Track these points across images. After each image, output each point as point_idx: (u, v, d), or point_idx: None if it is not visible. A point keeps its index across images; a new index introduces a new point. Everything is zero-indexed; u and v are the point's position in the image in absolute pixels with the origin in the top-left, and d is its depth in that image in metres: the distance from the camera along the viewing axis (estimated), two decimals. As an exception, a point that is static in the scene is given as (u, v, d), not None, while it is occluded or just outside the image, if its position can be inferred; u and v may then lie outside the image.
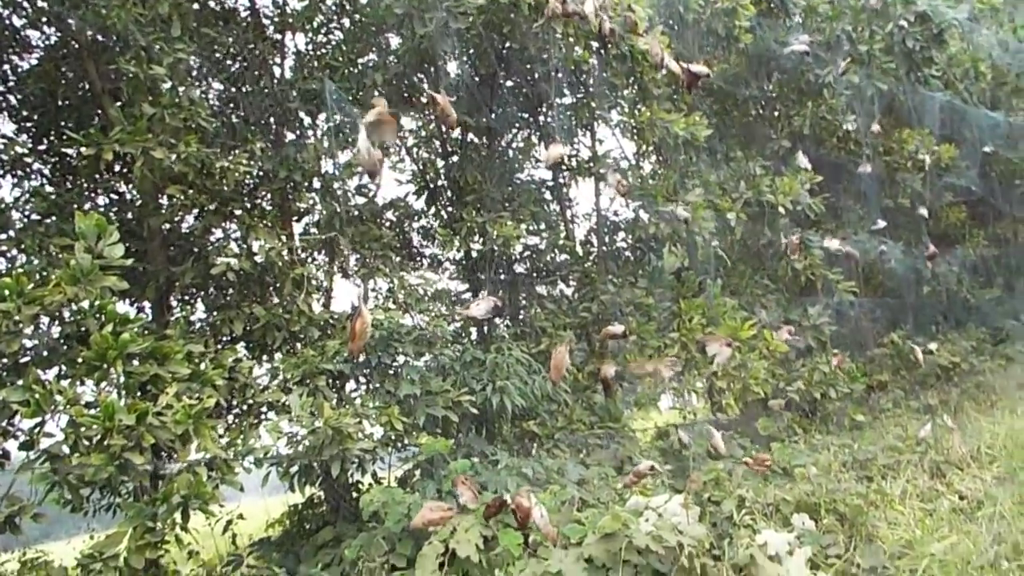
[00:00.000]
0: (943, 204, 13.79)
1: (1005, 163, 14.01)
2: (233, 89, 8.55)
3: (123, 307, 7.33)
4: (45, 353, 5.25)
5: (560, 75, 8.39)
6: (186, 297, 8.28)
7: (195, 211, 7.71)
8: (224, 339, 7.60)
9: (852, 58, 10.79)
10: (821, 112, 10.99)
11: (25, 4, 7.59)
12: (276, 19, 9.02)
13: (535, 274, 10.51)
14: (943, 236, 14.88)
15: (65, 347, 5.59)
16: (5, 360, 4.91)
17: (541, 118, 9.99)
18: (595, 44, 7.18)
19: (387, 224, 10.04)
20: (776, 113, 11.54)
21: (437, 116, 6.44)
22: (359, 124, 6.13)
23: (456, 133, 9.48)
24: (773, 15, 10.12)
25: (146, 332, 5.81)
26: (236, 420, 7.91)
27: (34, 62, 7.93)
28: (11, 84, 7.85)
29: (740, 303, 10.57)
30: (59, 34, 7.73)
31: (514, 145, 10.44)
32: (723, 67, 11.05)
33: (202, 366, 6.09)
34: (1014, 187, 14.61)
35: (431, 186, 10.02)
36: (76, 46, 7.32)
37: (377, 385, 7.82)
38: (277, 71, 8.86)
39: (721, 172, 10.42)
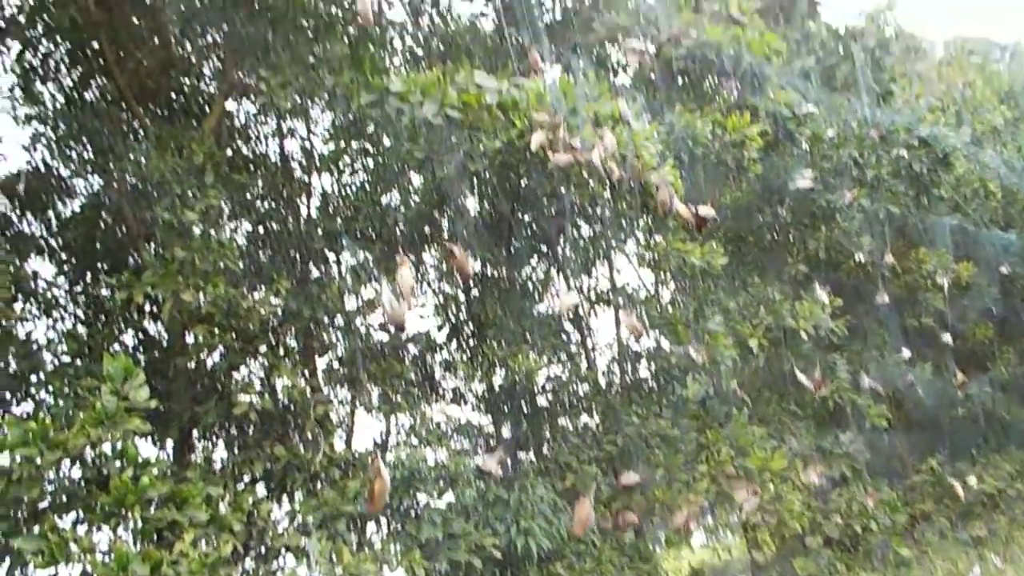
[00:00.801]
0: (969, 323, 13.63)
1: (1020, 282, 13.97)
2: (261, 229, 8.86)
3: (145, 447, 7.38)
4: (63, 499, 5.19)
5: (576, 209, 8.63)
6: (208, 436, 8.24)
7: (220, 349, 7.79)
8: (243, 480, 7.52)
9: (861, 184, 11.01)
10: (835, 236, 11.11)
11: (73, 155, 8.05)
12: (304, 162, 9.45)
13: (558, 406, 10.42)
14: (972, 355, 14.64)
15: (84, 492, 5.56)
16: (24, 507, 4.85)
17: (559, 250, 10.18)
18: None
19: (409, 358, 10.09)
20: (791, 238, 11.68)
21: (454, 268, 6.61)
22: (384, 283, 6.37)
23: (476, 267, 9.67)
24: (781, 145, 10.43)
25: (166, 474, 5.78)
26: (253, 565, 7.70)
27: (77, 208, 8.32)
28: (55, 229, 8.19)
29: (768, 431, 10.34)
30: (101, 182, 8.13)
31: (533, 277, 10.60)
32: (735, 195, 11.31)
33: (221, 509, 6.02)
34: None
35: (452, 320, 10.13)
36: (116, 194, 7.68)
37: (398, 528, 7.65)
38: (303, 210, 9.19)
39: (740, 299, 10.45)
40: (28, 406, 6.88)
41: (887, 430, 11.45)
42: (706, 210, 7.64)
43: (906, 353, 11.34)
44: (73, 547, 4.80)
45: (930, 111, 11.90)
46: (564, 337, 10.08)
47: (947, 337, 11.80)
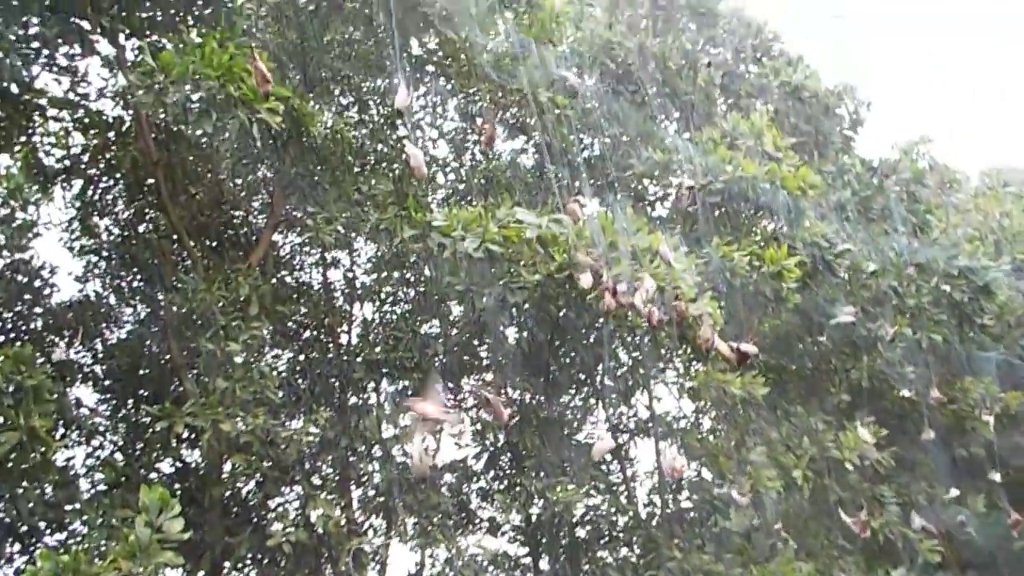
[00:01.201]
0: (1021, 454, 13.17)
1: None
2: (302, 356, 8.97)
3: (175, 576, 7.26)
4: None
5: (614, 339, 8.64)
6: (240, 568, 8.10)
7: (256, 478, 7.77)
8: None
9: (901, 312, 10.92)
10: (878, 365, 10.93)
11: (123, 285, 8.32)
12: (346, 291, 9.65)
13: (597, 538, 10.11)
14: (1027, 489, 14.09)
15: (109, 631, 5.44)
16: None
17: (597, 380, 10.15)
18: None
19: (445, 486, 9.95)
20: (833, 367, 11.51)
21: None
22: (413, 437, 6.41)
23: (515, 395, 9.65)
24: (819, 275, 10.44)
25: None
26: None
27: (122, 336, 8.52)
28: (99, 356, 8.37)
29: (816, 567, 9.92)
30: (148, 311, 8.36)
31: (572, 406, 10.53)
32: (775, 324, 11.26)
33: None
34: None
35: (490, 449, 10.03)
36: (162, 323, 7.87)
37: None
38: (344, 339, 9.32)
39: (783, 429, 10.24)
40: (61, 535, 6.85)
41: (941, 566, 10.92)
42: (748, 347, 7.62)
43: (955, 492, 10.96)
44: None
45: (968, 241, 11.92)
46: (603, 467, 9.90)
47: (995, 475, 11.40)
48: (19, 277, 7.85)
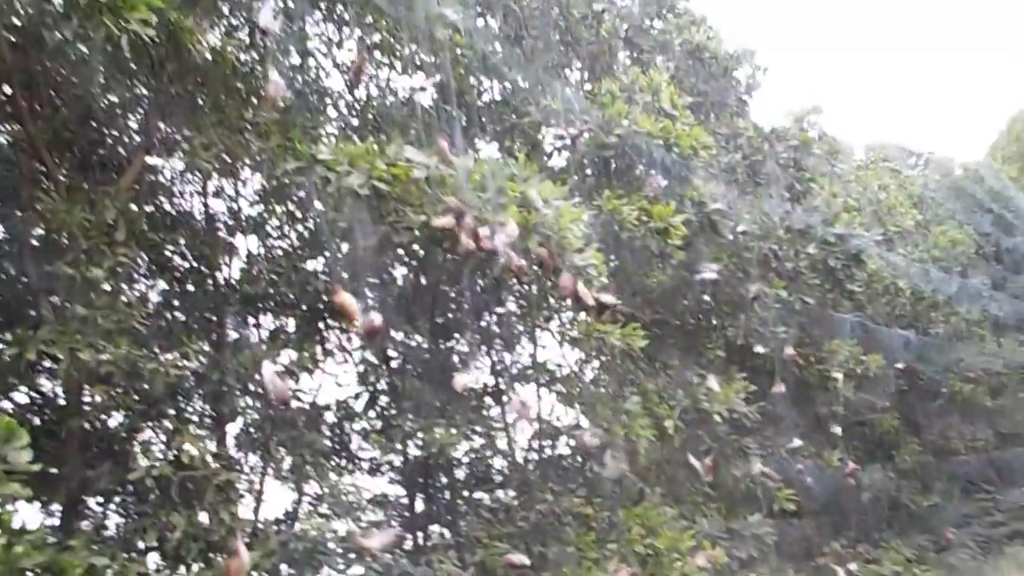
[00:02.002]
0: (876, 413, 14.17)
1: (924, 377, 14.67)
2: (177, 288, 8.60)
3: (28, 512, 6.94)
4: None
5: (500, 286, 8.67)
6: (100, 502, 7.82)
7: (121, 412, 7.46)
8: (136, 550, 7.13)
9: (779, 275, 11.41)
10: (754, 324, 11.43)
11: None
12: (230, 222, 9.25)
13: (474, 480, 10.29)
14: (879, 444, 15.17)
15: (-47, 562, 5.17)
16: None
17: (484, 324, 10.19)
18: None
19: (326, 425, 9.86)
20: (712, 323, 11.97)
21: (367, 332, 6.56)
22: (266, 365, 6.28)
23: (399, 337, 9.59)
24: (704, 234, 10.75)
25: (47, 543, 5.44)
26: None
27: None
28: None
29: (681, 512, 10.42)
30: (3, 234, 7.79)
31: (456, 350, 10.56)
32: (659, 280, 11.56)
33: (104, 581, 5.70)
34: (933, 399, 15.23)
35: (371, 389, 9.97)
36: (19, 245, 7.35)
37: (298, 603, 7.36)
38: (225, 271, 8.97)
39: (659, 380, 10.60)
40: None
41: (796, 515, 11.69)
42: (608, 298, 7.73)
43: (797, 442, 11.72)
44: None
45: (846, 211, 12.52)
46: (484, 412, 10.03)
47: (837, 429, 12.25)
48: None
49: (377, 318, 6.97)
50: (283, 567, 7.71)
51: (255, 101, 7.42)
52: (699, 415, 10.36)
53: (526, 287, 9.00)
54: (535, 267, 7.23)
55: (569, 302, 7.51)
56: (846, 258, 11.97)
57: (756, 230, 11.43)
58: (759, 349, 11.49)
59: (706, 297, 11.74)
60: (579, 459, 10.17)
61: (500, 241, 6.59)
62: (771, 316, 11.49)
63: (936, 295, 14.57)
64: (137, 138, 7.75)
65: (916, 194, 16.57)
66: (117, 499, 7.78)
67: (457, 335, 10.39)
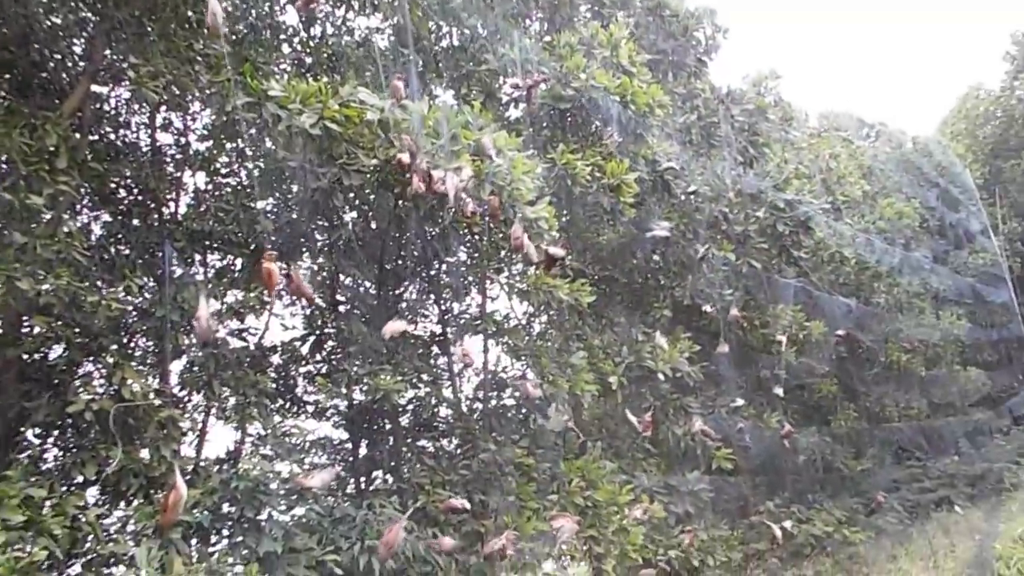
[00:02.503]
0: (814, 379, 14.56)
1: (863, 344, 15.10)
2: (121, 221, 8.43)
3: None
4: None
5: (451, 235, 8.66)
6: (39, 435, 7.73)
7: (61, 344, 7.35)
8: (75, 483, 7.09)
9: (728, 238, 11.58)
10: (700, 285, 11.62)
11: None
12: (178, 156, 9.07)
13: (418, 428, 10.37)
14: (816, 408, 15.65)
15: None
16: None
17: (433, 273, 10.19)
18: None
19: (271, 368, 9.82)
20: (660, 283, 12.14)
21: (291, 290, 6.55)
22: (200, 292, 6.22)
23: (347, 281, 9.56)
24: (656, 193, 10.85)
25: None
26: (80, 571, 7.26)
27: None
28: None
29: (621, 466, 10.66)
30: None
31: (406, 297, 10.56)
32: (610, 237, 11.67)
33: (42, 512, 5.67)
34: (871, 367, 15.68)
35: (318, 333, 9.94)
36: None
37: (238, 539, 7.39)
38: (171, 207, 8.82)
39: (605, 336, 10.76)
40: None
41: (733, 472, 12.03)
42: (556, 250, 7.80)
43: (739, 401, 12.00)
44: None
45: (796, 177, 12.72)
46: (430, 360, 10.07)
47: (779, 390, 12.55)
48: None
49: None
50: (225, 506, 7.71)
51: (206, 32, 7.23)
52: (643, 372, 10.57)
53: (476, 237, 9.00)
54: (486, 216, 7.24)
55: (519, 254, 7.53)
56: (794, 224, 12.19)
57: (708, 192, 11.57)
58: (707, 309, 11.68)
59: (655, 257, 11.89)
60: (523, 411, 10.30)
61: (452, 185, 6.59)
62: (718, 278, 11.70)
63: (879, 266, 14.95)
64: (81, 64, 7.51)
65: (866, 165, 16.88)
66: (56, 432, 7.69)
67: (406, 282, 10.39)
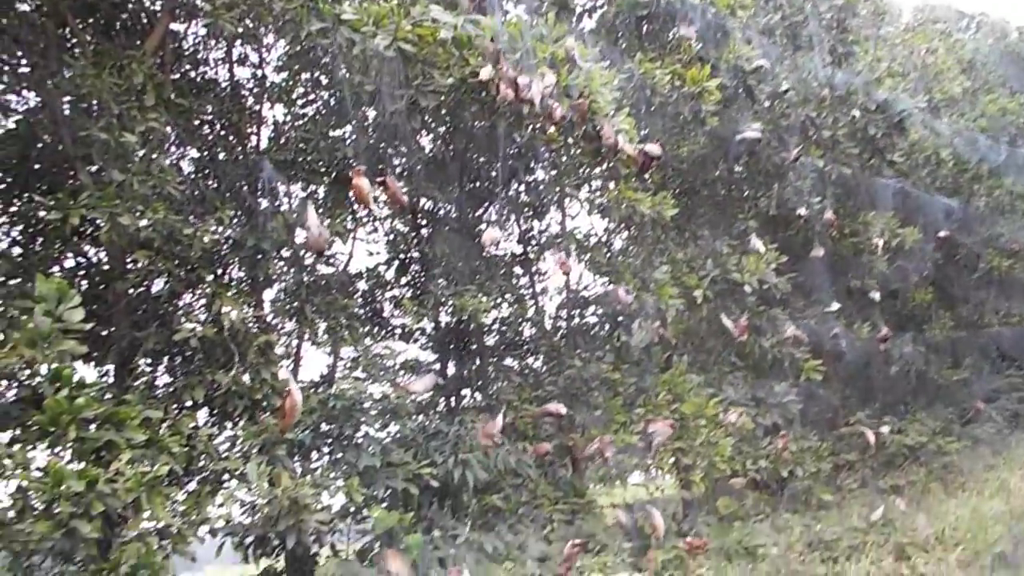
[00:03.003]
0: (909, 286, 14.05)
1: (963, 248, 14.40)
2: (208, 157, 8.68)
3: (84, 371, 7.33)
4: (-1, 417, 5.18)
5: (529, 152, 8.59)
6: (150, 362, 8.20)
7: (163, 277, 7.71)
8: (185, 406, 7.53)
9: (816, 144, 11.12)
10: (787, 194, 11.26)
11: (6, 69, 7.73)
12: (255, 90, 9.22)
13: (504, 347, 10.54)
14: (910, 317, 15.14)
15: (19, 411, 5.53)
16: (-45, 423, 4.84)
17: (513, 192, 10.18)
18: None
19: (358, 294, 10.10)
20: (744, 194, 11.81)
21: (388, 199, 6.58)
22: (307, 204, 6.27)
23: (428, 205, 9.64)
24: (739, 100, 10.45)
25: (105, 397, 5.76)
26: (195, 488, 7.79)
27: (11, 125, 8.03)
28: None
29: (707, 380, 10.63)
30: (38, 99, 7.84)
31: (486, 218, 10.61)
32: (691, 148, 11.36)
33: (160, 432, 6.04)
34: (971, 271, 14.98)
35: (402, 257, 10.12)
36: (52, 112, 7.43)
37: (339, 456, 7.76)
38: (254, 140, 9.02)
39: (689, 250, 10.60)
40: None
41: (822, 384, 11.86)
42: (652, 148, 7.63)
43: (836, 305, 11.67)
44: (7, 463, 4.80)
45: (890, 75, 11.99)
46: (513, 280, 10.15)
47: (875, 295, 12.15)
48: None
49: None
50: (323, 425, 8.08)
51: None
52: (728, 285, 10.41)
53: (555, 154, 8.90)
54: (574, 122, 7.11)
55: (612, 158, 7.40)
56: (888, 126, 11.58)
57: (794, 96, 11.06)
58: (801, 212, 11.25)
59: (738, 167, 11.54)
60: (607, 327, 10.34)
61: (538, 91, 6.51)
62: (806, 186, 11.29)
63: (981, 166, 14.10)
64: (159, 2, 7.63)
65: (966, 59, 15.71)
66: (165, 359, 8.15)
67: (486, 203, 10.41)
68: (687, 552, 7.04)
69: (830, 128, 11.53)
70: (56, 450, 5.25)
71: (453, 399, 10.11)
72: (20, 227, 7.85)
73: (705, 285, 10.10)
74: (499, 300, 9.47)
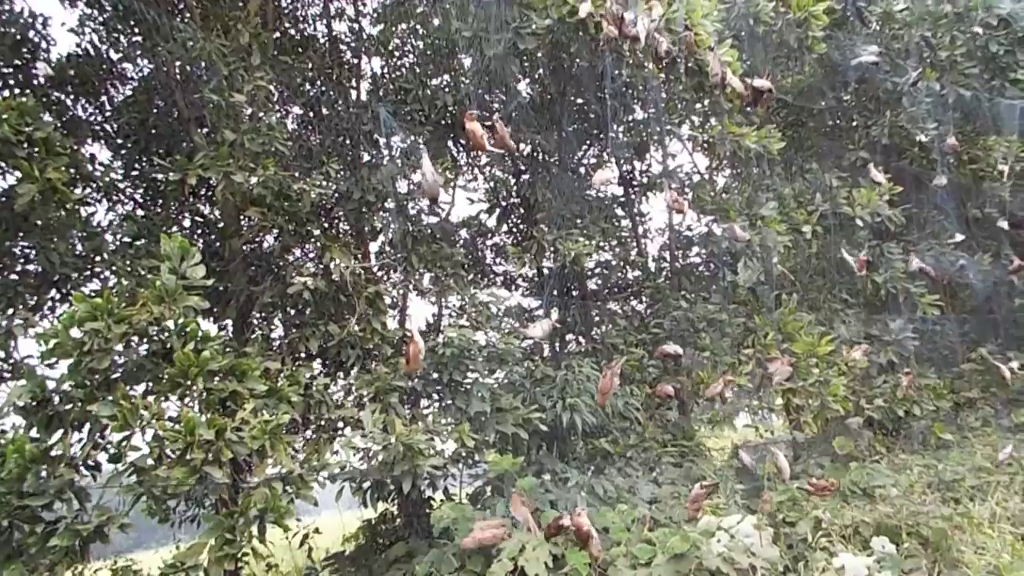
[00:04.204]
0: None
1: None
2: (311, 113, 8.84)
3: (205, 325, 7.68)
4: (133, 370, 5.47)
5: (630, 91, 8.37)
6: (265, 315, 8.53)
7: (274, 232, 7.96)
8: (300, 357, 7.81)
9: (932, 66, 10.43)
10: (900, 121, 10.64)
11: (121, 39, 8.04)
12: (353, 44, 9.30)
13: (607, 290, 10.47)
14: (1036, 247, 14.23)
15: (151, 364, 5.84)
16: (97, 377, 5.13)
17: (612, 134, 9.98)
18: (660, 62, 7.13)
19: (460, 242, 10.18)
20: (853, 123, 11.23)
21: (495, 144, 6.50)
22: (423, 149, 6.25)
23: (527, 151, 9.55)
24: (848, 23, 9.87)
25: (226, 350, 6.02)
26: (313, 435, 8.12)
27: (128, 93, 8.38)
28: (108, 114, 8.29)
29: (818, 318, 10.30)
30: (151, 66, 8.14)
31: (585, 161, 10.45)
32: (798, 78, 10.84)
33: (278, 383, 6.28)
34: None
35: (503, 204, 10.11)
36: (166, 77, 7.70)
37: (448, 402, 7.93)
38: (353, 94, 9.12)
39: (796, 185, 10.20)
40: (94, 285, 7.17)
41: (940, 318, 11.34)
42: (762, 82, 7.33)
43: (959, 237, 11.04)
44: (144, 413, 5.09)
45: (1015, -14, 11.07)
46: (614, 222, 10.01)
47: (1003, 223, 11.41)
48: (11, 30, 7.57)
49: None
50: (433, 372, 8.24)
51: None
52: (839, 220, 10.00)
53: (657, 91, 8.64)
54: (681, 57, 6.88)
55: (706, 104, 7.17)
56: (1011, 42, 10.74)
57: (908, 15, 10.37)
58: (921, 139, 10.61)
59: (847, 96, 10.97)
60: (712, 267, 10.11)
61: (644, 26, 6.31)
62: (921, 111, 10.64)
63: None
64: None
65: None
66: (279, 313, 8.45)
67: (585, 145, 10.25)
68: (812, 493, 6.90)
69: (947, 48, 10.78)
70: (186, 401, 5.54)
71: (558, 344, 10.14)
72: (141, 190, 8.26)
73: (814, 220, 9.74)
74: (601, 243, 9.35)
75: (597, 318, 10.19)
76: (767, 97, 7.70)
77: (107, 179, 7.57)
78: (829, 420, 10.06)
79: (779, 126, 9.71)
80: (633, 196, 10.36)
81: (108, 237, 7.27)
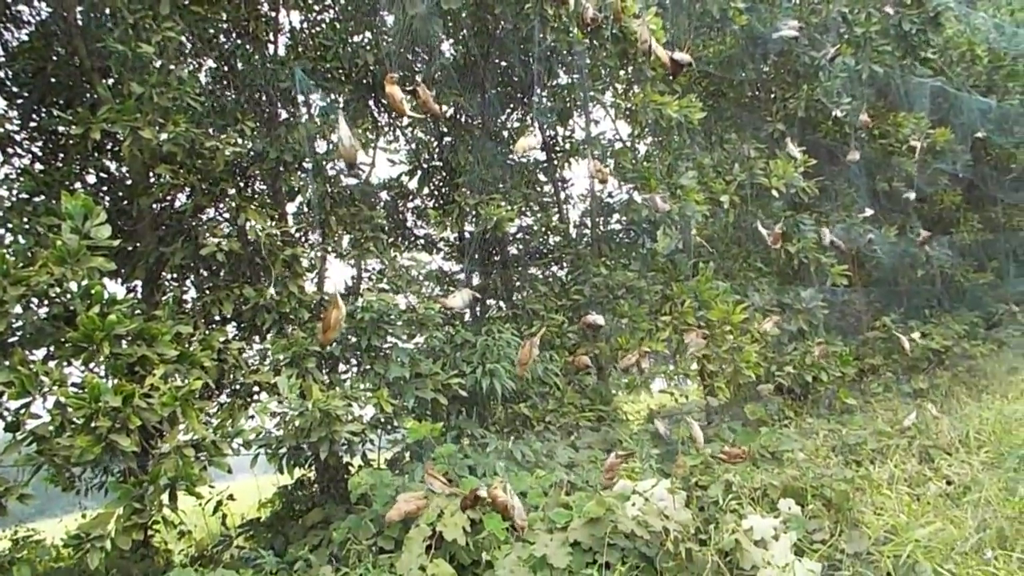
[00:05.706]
0: (938, 189, 13.78)
1: (997, 148, 14.02)
2: (225, 67, 8.48)
3: (113, 287, 7.38)
4: (32, 334, 5.21)
5: (554, 56, 8.32)
6: (176, 277, 8.23)
7: (186, 191, 7.65)
8: (214, 320, 7.59)
9: (847, 42, 10.71)
10: (816, 95, 10.93)
11: (16, -21, 7.52)
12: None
13: (528, 256, 10.49)
14: (937, 220, 14.93)
15: (52, 328, 5.58)
16: (-8, 341, 4.88)
17: (535, 99, 9.93)
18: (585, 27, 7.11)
19: (380, 204, 10.01)
20: (772, 95, 11.48)
21: (418, 107, 6.37)
22: (340, 113, 6.10)
23: (449, 113, 9.42)
24: (768, -2, 10.04)
25: (135, 313, 5.79)
26: (227, 401, 7.92)
27: (24, 38, 7.85)
28: (1, 59, 7.76)
29: (733, 286, 10.57)
30: (49, 10, 7.64)
31: (508, 125, 10.38)
32: (718, 49, 10.98)
33: (191, 347, 6.08)
34: (1005, 172, 14.62)
35: (424, 167, 9.97)
36: (66, 22, 7.23)
37: (367, 367, 7.84)
38: (270, 49, 8.78)
39: (715, 154, 10.38)
40: (-12, 244, 6.76)
41: (848, 288, 11.81)
42: (682, 56, 7.42)
43: (868, 211, 11.48)
44: (44, 379, 4.86)
45: (925, -35, 11.44)
46: (537, 187, 10.00)
47: (911, 195, 11.91)
48: None
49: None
50: (351, 337, 8.13)
51: None
52: (755, 190, 10.24)
53: (581, 56, 8.61)
54: (607, 23, 6.85)
55: (629, 71, 7.20)
56: (922, 21, 11.13)
57: (826, -9, 10.61)
58: (837, 114, 10.93)
59: (766, 68, 11.17)
60: (631, 234, 10.23)
61: None
62: (835, 86, 10.94)
63: (1017, 63, 13.57)
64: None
65: (1005, -53, 14.96)
66: (192, 274, 8.17)
67: (508, 109, 10.16)
68: (725, 461, 7.13)
69: (863, 24, 11.09)
70: (91, 366, 5.32)
71: (479, 309, 10.13)
72: (40, 143, 7.79)
73: (732, 190, 9.95)
74: (523, 208, 9.34)
75: (518, 283, 10.22)
76: (686, 71, 7.79)
77: (1, 130, 7.12)
78: (741, 386, 10.41)
79: (700, 96, 9.83)
80: (556, 162, 10.36)
81: (3, 192, 6.86)
